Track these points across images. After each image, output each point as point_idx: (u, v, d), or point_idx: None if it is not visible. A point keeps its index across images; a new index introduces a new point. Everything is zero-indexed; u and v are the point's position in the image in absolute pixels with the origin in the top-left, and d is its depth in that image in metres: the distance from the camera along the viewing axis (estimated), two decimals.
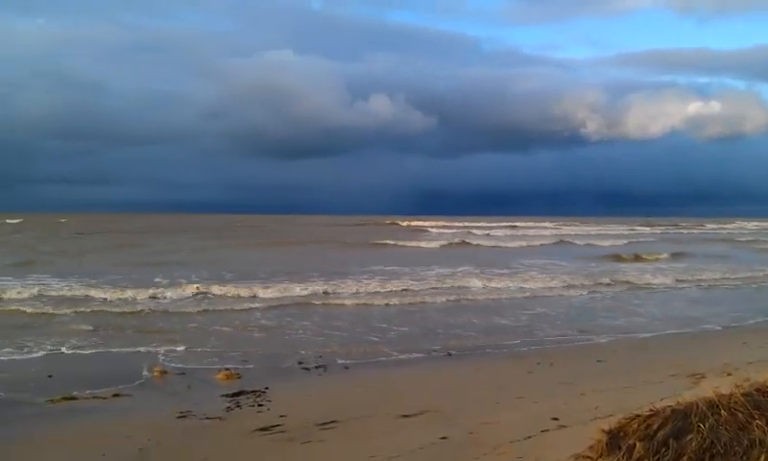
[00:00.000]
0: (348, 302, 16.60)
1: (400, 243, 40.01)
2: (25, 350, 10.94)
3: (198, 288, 17.74)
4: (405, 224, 73.22)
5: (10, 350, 10.84)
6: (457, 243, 42.01)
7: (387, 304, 16.25)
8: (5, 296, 16.32)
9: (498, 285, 19.47)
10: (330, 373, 9.87)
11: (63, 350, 11.06)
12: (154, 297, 16.66)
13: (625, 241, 46.25)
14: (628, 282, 21.05)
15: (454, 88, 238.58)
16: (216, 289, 17.79)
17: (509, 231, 58.18)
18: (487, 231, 56.28)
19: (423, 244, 40.39)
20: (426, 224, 70.50)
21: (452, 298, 17.26)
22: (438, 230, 59.56)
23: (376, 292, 17.86)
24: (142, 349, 11.14)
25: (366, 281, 19.57)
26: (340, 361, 10.51)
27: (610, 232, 59.85)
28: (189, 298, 16.96)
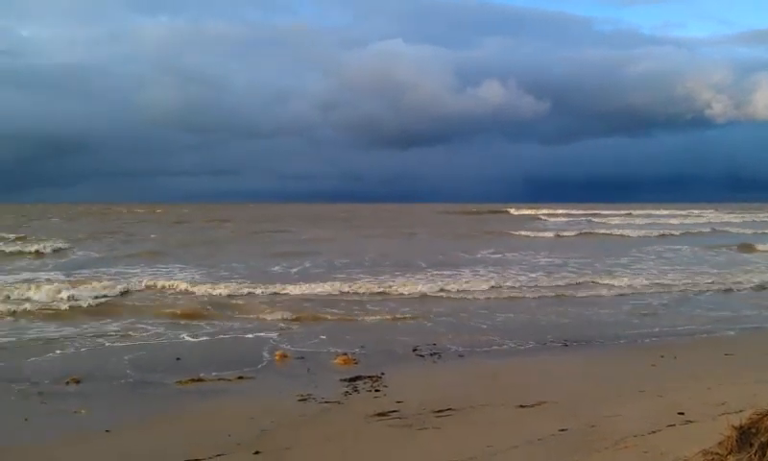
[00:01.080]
0: (467, 294, 16.41)
1: (522, 233, 38.94)
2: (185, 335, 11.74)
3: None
4: (518, 212, 71.18)
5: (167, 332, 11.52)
6: (583, 233, 40.46)
7: (510, 298, 15.95)
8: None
9: (625, 282, 18.27)
10: (445, 360, 9.90)
11: (185, 337, 11.64)
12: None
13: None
14: None
15: (568, 72, 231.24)
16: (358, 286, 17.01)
17: (643, 220, 54.32)
18: (614, 220, 53.85)
19: (541, 233, 39.25)
20: (541, 212, 68.73)
21: (577, 293, 16.66)
22: (554, 219, 58.28)
23: (497, 285, 17.43)
24: (262, 333, 11.59)
25: (483, 273, 19.38)
26: (453, 349, 10.53)
27: (749, 220, 55.62)
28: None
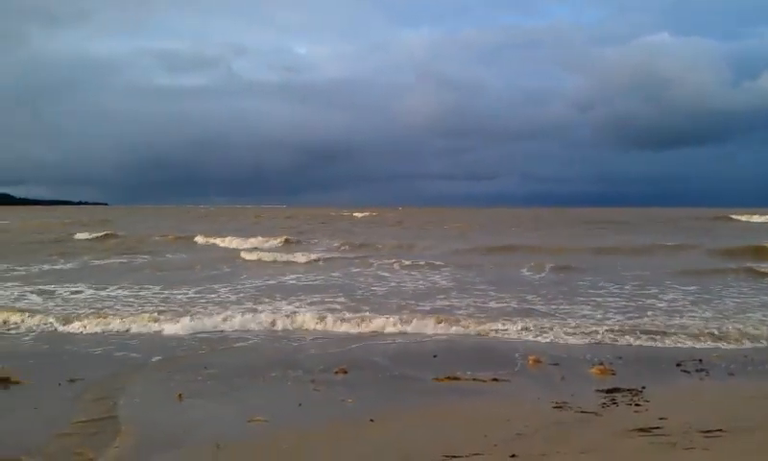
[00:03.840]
0: None
1: None
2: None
3: None
4: None
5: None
6: None
7: None
8: None
9: None
10: (713, 378, 9.20)
11: (427, 332, 11.99)
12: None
13: None
14: None
15: None
16: None
17: None
18: None
19: None
20: None
21: None
22: None
23: None
24: (514, 336, 11.63)
25: None
26: (723, 366, 9.75)
27: None
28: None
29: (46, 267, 23.87)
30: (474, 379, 8.93)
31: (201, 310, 14.15)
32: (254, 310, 14.06)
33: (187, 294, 16.88)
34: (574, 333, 11.77)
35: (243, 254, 27.74)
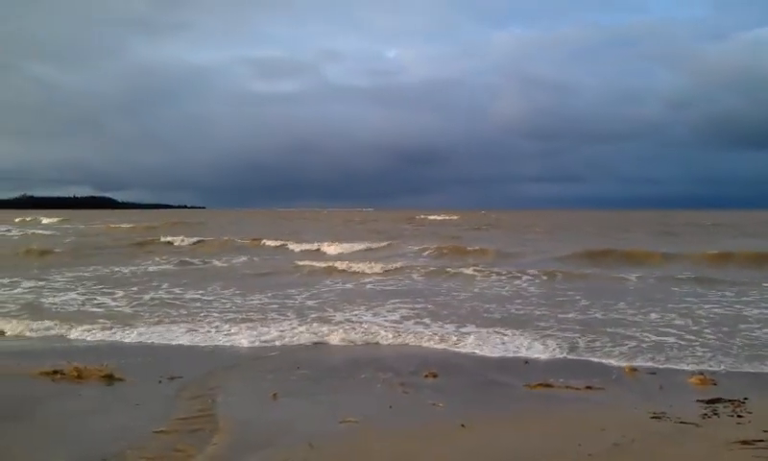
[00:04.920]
0: None
1: None
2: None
3: None
4: None
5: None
6: None
7: None
8: None
9: None
10: None
11: (534, 342, 11.81)
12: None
13: None
14: None
15: None
16: None
17: None
18: None
19: None
20: None
21: None
22: None
23: None
24: (611, 345, 11.34)
25: None
26: None
27: None
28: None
29: (139, 270, 24.92)
30: (567, 387, 8.76)
31: (281, 316, 14.48)
32: (329, 320, 14.24)
33: (295, 297, 17.24)
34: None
35: (327, 259, 28.08)
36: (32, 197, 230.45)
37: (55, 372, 9.03)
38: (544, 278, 20.80)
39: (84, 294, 18.07)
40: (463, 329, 12.69)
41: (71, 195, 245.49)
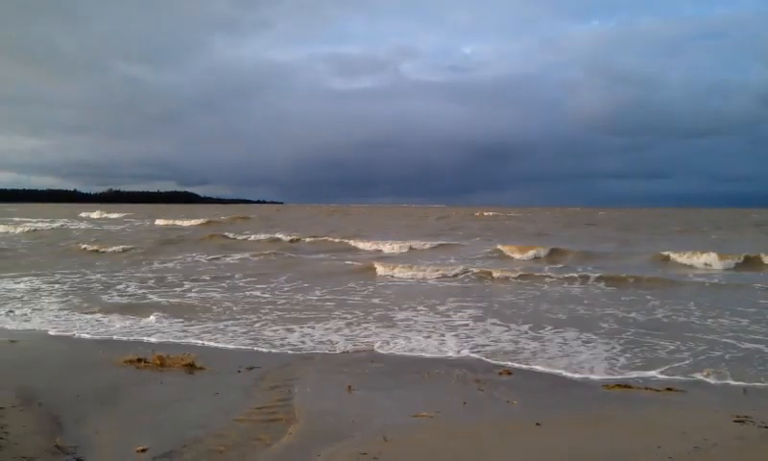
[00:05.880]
0: None
1: None
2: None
3: None
4: None
5: None
6: None
7: None
8: None
9: None
10: None
11: (611, 342, 11.55)
12: None
13: None
14: None
15: None
16: None
17: None
18: None
19: None
20: None
21: None
22: None
23: None
24: (684, 348, 11.02)
25: None
26: None
27: None
28: None
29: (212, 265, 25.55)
30: (647, 388, 8.56)
31: (349, 314, 14.64)
32: (396, 318, 14.27)
33: (368, 295, 17.40)
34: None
35: (393, 259, 28.04)
36: (118, 191, 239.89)
37: (139, 360, 9.38)
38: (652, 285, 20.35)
39: (156, 286, 18.69)
40: (539, 330, 12.55)
41: (156, 190, 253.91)
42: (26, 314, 13.68)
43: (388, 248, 31.83)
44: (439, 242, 34.25)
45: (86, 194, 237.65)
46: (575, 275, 20.64)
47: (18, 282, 18.79)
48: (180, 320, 13.31)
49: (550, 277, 20.54)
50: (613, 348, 10.90)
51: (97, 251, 30.22)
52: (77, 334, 11.85)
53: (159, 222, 60.53)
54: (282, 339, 11.61)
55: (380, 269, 22.33)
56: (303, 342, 11.40)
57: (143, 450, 5.92)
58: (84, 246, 31.94)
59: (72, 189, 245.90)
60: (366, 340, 11.49)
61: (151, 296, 16.77)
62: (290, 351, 10.68)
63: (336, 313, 14.24)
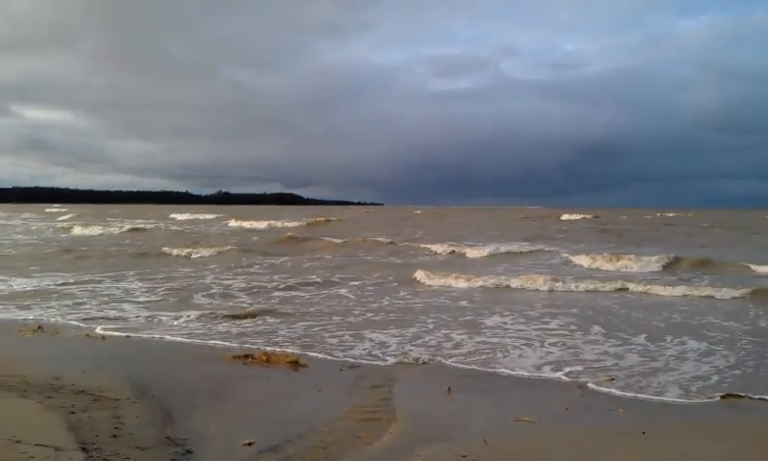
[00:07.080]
0: None
1: None
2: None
3: None
4: None
5: None
6: None
7: None
8: None
9: None
10: None
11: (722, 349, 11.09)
12: None
13: None
14: None
15: None
16: None
17: None
18: None
19: None
20: None
21: None
22: None
23: None
24: None
25: None
26: None
27: None
28: None
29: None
30: (761, 399, 8.17)
31: (447, 318, 14.56)
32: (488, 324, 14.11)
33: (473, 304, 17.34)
34: None
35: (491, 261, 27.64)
36: (227, 193, 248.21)
37: (246, 356, 9.70)
38: None
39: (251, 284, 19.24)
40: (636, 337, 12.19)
41: (262, 192, 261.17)
42: (139, 315, 14.27)
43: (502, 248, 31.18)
44: (536, 246, 33.62)
45: (197, 195, 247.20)
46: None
47: (119, 281, 19.79)
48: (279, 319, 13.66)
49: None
50: (729, 360, 10.41)
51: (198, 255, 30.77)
52: (186, 332, 12.34)
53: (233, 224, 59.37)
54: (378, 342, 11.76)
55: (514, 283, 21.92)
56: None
57: (249, 444, 6.10)
58: (175, 251, 31.38)
59: (184, 191, 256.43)
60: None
61: (244, 297, 17.31)
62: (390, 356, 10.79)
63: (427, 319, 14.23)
